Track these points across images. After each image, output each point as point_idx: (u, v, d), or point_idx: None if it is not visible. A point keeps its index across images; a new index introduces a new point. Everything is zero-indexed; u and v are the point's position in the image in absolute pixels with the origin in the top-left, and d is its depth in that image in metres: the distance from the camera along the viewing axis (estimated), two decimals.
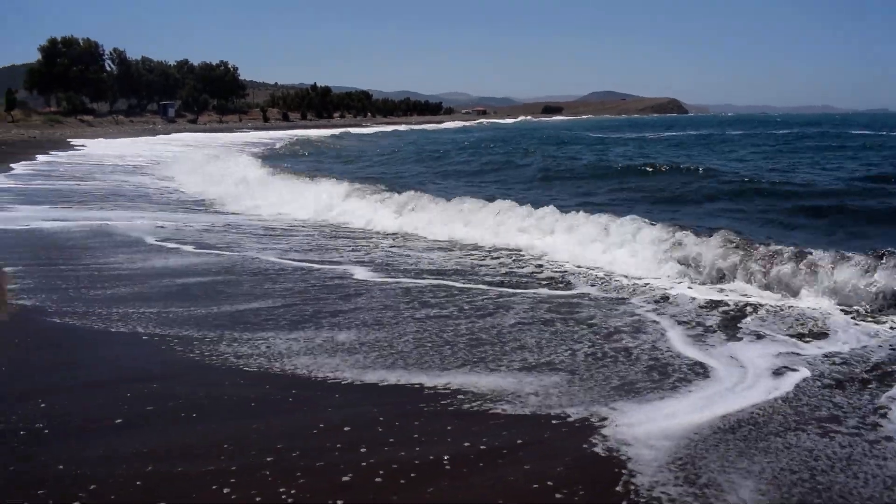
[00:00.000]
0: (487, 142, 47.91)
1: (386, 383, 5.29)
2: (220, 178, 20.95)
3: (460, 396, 5.02)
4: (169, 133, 66.16)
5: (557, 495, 3.73)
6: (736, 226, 11.38)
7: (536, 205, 12.34)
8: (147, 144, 46.95)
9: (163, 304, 7.36)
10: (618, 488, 3.77)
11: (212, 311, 7.17)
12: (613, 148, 38.94)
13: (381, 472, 3.94)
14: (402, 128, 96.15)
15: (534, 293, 8.06)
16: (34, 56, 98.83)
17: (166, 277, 8.71)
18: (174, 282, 8.50)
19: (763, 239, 9.26)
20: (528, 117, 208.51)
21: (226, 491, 3.71)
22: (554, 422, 4.62)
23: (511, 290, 8.17)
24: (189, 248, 10.77)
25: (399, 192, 15.26)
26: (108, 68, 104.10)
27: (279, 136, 62.01)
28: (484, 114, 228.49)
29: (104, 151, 37.71)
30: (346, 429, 4.49)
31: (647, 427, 4.52)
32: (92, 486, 3.71)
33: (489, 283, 8.50)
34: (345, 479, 3.86)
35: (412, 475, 3.90)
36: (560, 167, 24.59)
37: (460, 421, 4.62)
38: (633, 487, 3.78)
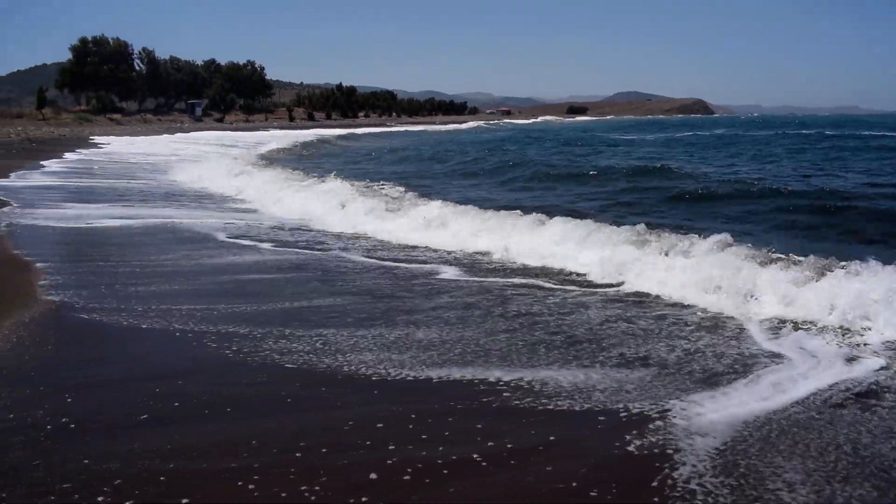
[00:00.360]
0: (503, 143, 47.82)
1: (443, 380, 5.26)
2: (249, 180, 20.77)
3: (507, 393, 4.98)
4: (188, 132, 66.51)
5: (591, 493, 3.67)
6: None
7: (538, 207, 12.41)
8: (173, 143, 47.31)
9: (210, 301, 7.34)
10: (654, 483, 3.71)
11: (262, 308, 7.15)
12: (627, 149, 38.75)
13: (407, 470, 3.89)
14: (415, 128, 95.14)
15: (614, 292, 8.06)
16: (65, 55, 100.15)
17: (225, 274, 8.75)
18: (233, 278, 8.55)
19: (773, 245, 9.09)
20: (548, 118, 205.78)
21: (250, 487, 3.68)
22: (601, 417, 4.59)
23: (591, 290, 8.12)
24: (267, 245, 10.79)
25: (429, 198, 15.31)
26: (137, 67, 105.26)
27: (303, 135, 62.03)
28: (508, 114, 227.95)
29: (128, 150, 38.13)
30: (378, 426, 4.45)
31: (710, 416, 4.54)
32: (117, 482, 3.70)
33: (576, 284, 8.44)
34: (371, 476, 3.81)
35: (440, 473, 3.85)
36: (558, 169, 24.34)
37: (502, 418, 4.57)
38: (670, 481, 3.72)
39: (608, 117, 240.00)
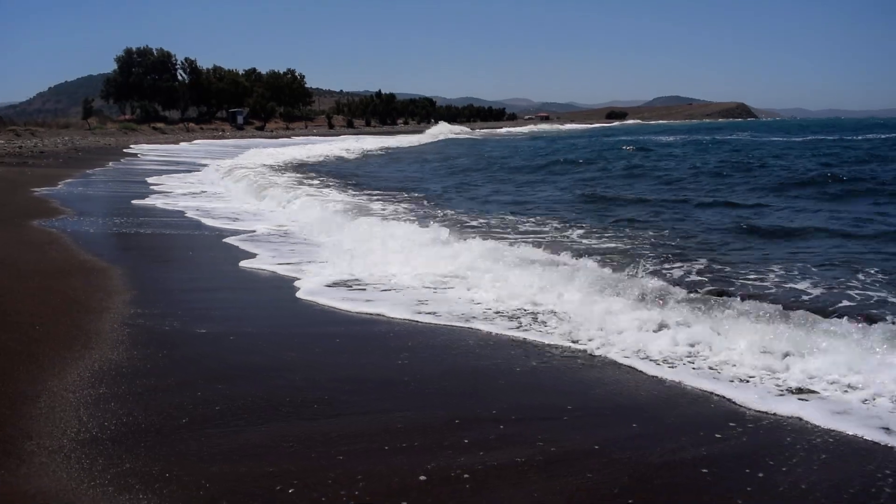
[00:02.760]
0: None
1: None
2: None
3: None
4: (229, 139, 66.50)
5: (630, 500, 3.63)
6: None
7: None
8: (222, 149, 47.97)
9: (265, 311, 7.58)
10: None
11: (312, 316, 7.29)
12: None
13: (449, 475, 3.87)
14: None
15: None
16: (110, 66, 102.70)
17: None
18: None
19: None
20: (576, 125, 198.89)
21: (290, 492, 3.69)
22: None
23: None
24: None
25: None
26: (179, 77, 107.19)
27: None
28: (547, 119, 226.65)
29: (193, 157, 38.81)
30: (430, 427, 4.51)
31: None
32: (156, 485, 3.73)
33: None
34: (409, 481, 3.80)
35: (477, 482, 3.81)
36: None
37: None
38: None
39: (630, 122, 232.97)
